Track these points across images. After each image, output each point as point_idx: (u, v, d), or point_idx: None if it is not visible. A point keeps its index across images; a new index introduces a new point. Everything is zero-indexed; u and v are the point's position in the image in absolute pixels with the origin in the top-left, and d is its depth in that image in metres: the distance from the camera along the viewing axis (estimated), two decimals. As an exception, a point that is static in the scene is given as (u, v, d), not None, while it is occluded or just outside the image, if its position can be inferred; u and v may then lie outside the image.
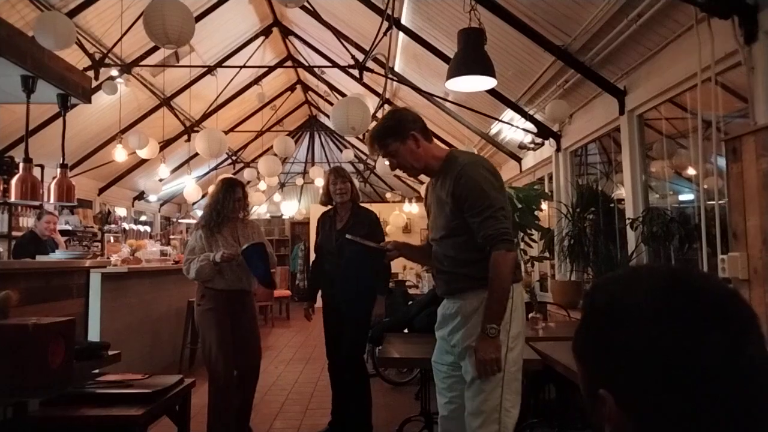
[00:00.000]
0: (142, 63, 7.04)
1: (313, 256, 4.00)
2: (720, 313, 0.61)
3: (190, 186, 9.12)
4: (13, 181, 3.63)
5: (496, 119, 6.60)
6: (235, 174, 10.78)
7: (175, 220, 13.85)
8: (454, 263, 2.11)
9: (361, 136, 10.45)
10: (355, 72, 6.38)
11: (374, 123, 2.38)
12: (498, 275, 1.98)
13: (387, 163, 2.23)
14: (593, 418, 0.67)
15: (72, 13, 5.60)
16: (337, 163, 12.48)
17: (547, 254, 5.57)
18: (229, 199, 3.62)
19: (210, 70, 7.86)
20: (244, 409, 3.69)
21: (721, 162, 3.16)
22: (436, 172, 2.19)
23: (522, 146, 6.66)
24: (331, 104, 9.87)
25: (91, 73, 5.48)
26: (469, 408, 2.06)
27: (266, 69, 9.18)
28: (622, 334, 0.63)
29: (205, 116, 8.89)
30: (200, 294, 3.64)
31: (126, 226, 10.58)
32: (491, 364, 1.96)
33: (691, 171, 4.33)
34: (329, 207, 3.82)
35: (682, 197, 4.82)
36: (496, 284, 1.98)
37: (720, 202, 3.31)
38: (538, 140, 6.24)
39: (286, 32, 8.93)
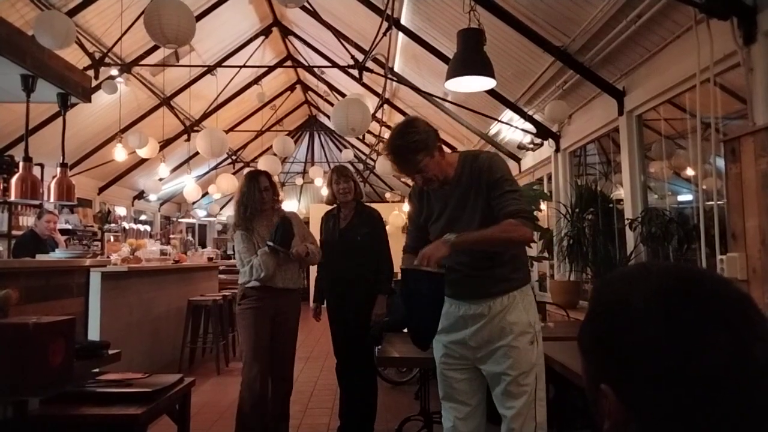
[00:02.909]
0: (141, 62, 7.05)
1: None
2: (727, 316, 0.61)
3: (189, 185, 9.14)
4: (13, 180, 3.64)
5: (496, 119, 6.61)
6: (234, 174, 10.79)
7: (175, 219, 13.86)
8: (488, 262, 2.05)
9: (360, 136, 10.51)
10: (355, 72, 6.38)
11: (385, 140, 2.23)
12: (506, 231, 1.96)
13: (415, 179, 2.11)
14: (594, 412, 0.67)
15: (72, 13, 5.60)
16: (337, 163, 12.49)
17: (546, 254, 5.58)
18: (253, 189, 3.41)
19: (210, 69, 7.86)
20: (276, 418, 3.44)
21: (720, 163, 3.17)
22: (454, 179, 2.13)
23: (521, 146, 6.66)
24: (331, 104, 9.88)
25: (90, 73, 5.48)
26: (506, 411, 2.05)
27: (266, 69, 9.19)
28: (625, 332, 0.63)
29: (205, 116, 8.90)
30: (241, 292, 3.43)
31: (126, 225, 10.59)
32: (429, 257, 1.90)
33: (690, 171, 4.33)
34: (334, 206, 3.82)
35: (681, 198, 4.83)
36: (497, 232, 1.95)
37: (719, 202, 3.32)
38: (537, 140, 6.24)
39: (286, 32, 8.94)
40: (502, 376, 2.05)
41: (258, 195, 3.40)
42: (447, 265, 1.98)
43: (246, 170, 4.01)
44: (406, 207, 12.60)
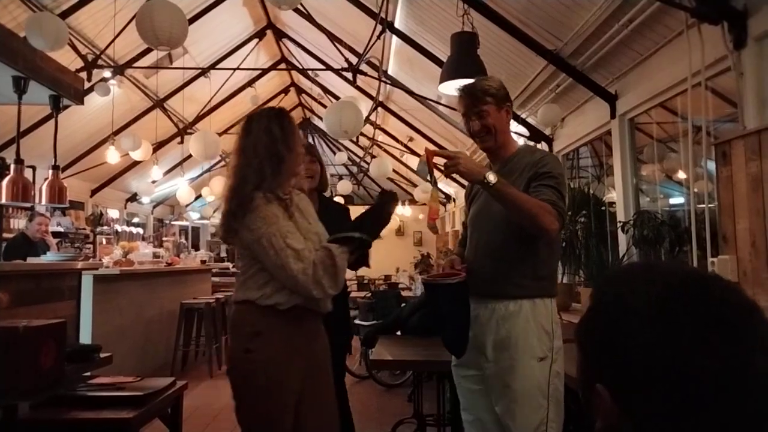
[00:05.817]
0: (135, 64, 7.02)
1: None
2: (729, 322, 0.60)
3: (183, 188, 9.12)
4: (5, 183, 3.61)
5: (489, 122, 6.62)
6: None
7: (167, 222, 13.81)
8: (501, 254, 1.95)
9: (354, 139, 10.52)
10: (349, 75, 6.39)
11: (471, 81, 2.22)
12: (540, 207, 1.81)
13: (472, 123, 2.07)
14: (588, 410, 0.67)
15: (64, 14, 5.58)
16: (330, 165, 12.47)
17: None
18: (295, 137, 1.93)
19: (203, 72, 7.85)
20: None
21: (711, 166, 3.19)
22: (504, 159, 2.11)
23: (515, 149, 6.68)
24: (325, 107, 9.87)
25: (83, 75, 5.46)
26: (512, 426, 1.89)
27: (260, 71, 9.18)
28: (624, 334, 0.62)
29: (199, 118, 8.88)
30: (255, 322, 1.79)
31: (118, 227, 10.54)
32: (455, 165, 1.81)
33: (681, 175, 4.36)
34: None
35: (672, 200, 4.86)
36: (532, 203, 1.81)
37: (710, 205, 3.34)
38: (530, 143, 6.27)
39: (280, 35, 8.94)
40: (505, 390, 1.91)
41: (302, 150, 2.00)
42: (468, 267, 1.92)
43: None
44: (399, 209, 12.62)
